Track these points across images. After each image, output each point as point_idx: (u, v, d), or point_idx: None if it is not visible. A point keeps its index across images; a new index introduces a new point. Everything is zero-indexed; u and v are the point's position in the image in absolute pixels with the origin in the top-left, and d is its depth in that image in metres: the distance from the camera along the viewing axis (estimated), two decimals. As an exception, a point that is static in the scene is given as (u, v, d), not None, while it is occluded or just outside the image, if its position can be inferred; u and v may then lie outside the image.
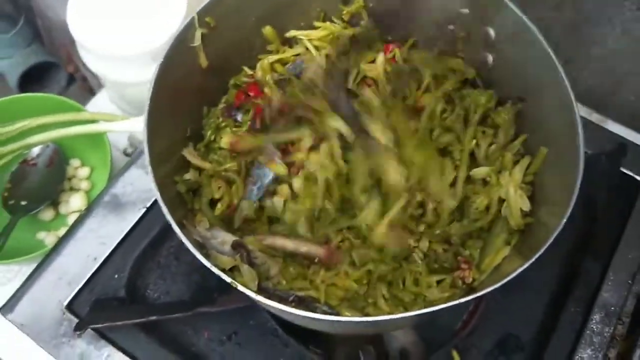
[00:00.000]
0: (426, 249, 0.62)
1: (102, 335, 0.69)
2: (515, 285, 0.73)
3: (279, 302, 0.49)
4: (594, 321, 0.70)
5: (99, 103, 1.02)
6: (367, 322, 0.50)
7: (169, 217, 0.51)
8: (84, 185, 0.96)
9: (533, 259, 0.51)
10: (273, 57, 0.69)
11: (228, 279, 0.50)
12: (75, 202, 0.93)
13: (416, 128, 0.64)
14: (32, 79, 1.49)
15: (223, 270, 0.51)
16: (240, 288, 0.49)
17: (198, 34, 0.61)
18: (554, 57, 0.58)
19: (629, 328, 0.71)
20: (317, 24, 0.70)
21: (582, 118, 0.80)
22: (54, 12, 1.24)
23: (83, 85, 1.47)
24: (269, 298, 0.49)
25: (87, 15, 0.84)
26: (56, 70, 1.54)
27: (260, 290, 0.56)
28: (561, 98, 0.57)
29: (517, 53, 0.62)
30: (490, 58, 0.66)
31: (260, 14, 0.67)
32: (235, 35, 0.66)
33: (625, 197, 0.77)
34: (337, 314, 0.57)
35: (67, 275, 0.72)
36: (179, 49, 0.60)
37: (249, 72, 0.69)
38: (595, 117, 0.84)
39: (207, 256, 0.56)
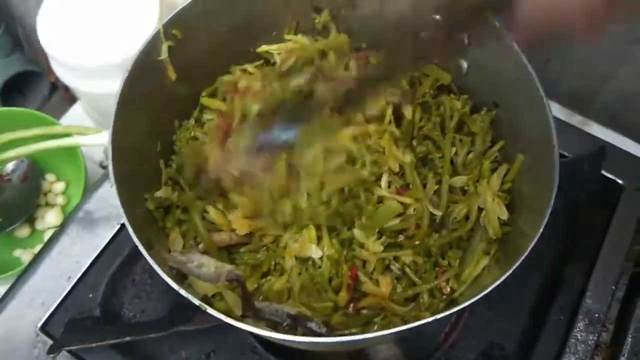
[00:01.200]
0: (408, 261, 0.61)
1: (77, 357, 0.67)
2: (498, 294, 0.72)
3: (271, 324, 0.48)
4: (578, 329, 0.69)
5: (75, 115, 1.00)
6: (349, 341, 0.49)
7: (136, 239, 0.49)
8: (60, 200, 0.94)
9: (511, 270, 0.51)
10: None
11: (211, 311, 0.49)
12: (51, 218, 0.92)
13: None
14: (14, 88, 1.47)
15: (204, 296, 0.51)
16: (219, 316, 0.48)
17: (165, 47, 0.59)
18: (526, 62, 0.57)
19: (613, 335, 0.70)
20: (287, 37, 0.68)
21: (563, 121, 0.81)
22: (34, 20, 1.22)
23: (65, 94, 1.45)
24: (258, 319, 0.48)
25: (57, 27, 0.83)
26: (38, 79, 1.52)
27: (250, 310, 0.55)
28: (535, 104, 0.56)
29: (491, 59, 0.62)
30: (464, 64, 0.65)
31: (231, 25, 0.66)
32: (206, 48, 0.65)
33: (608, 200, 0.76)
34: (331, 329, 0.56)
35: (41, 295, 0.70)
36: (146, 62, 0.58)
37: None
38: (576, 120, 0.83)
39: (182, 280, 0.55)
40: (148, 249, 0.50)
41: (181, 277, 0.58)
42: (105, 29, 0.82)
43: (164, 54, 0.59)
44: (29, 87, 1.53)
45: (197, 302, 0.48)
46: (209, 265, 0.57)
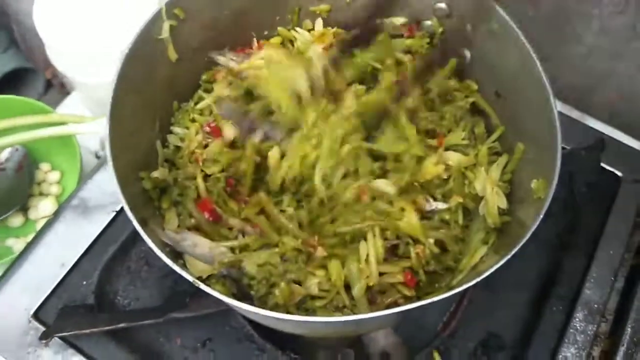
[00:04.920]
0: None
1: (70, 344, 0.66)
2: (496, 284, 0.72)
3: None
4: (577, 319, 0.68)
5: (71, 105, 1.00)
6: (342, 322, 0.48)
7: (129, 214, 0.49)
8: (54, 189, 0.93)
9: (509, 256, 0.50)
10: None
11: (204, 287, 0.47)
12: (45, 207, 0.91)
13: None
14: (9, 85, 1.46)
15: (199, 278, 0.50)
16: (219, 296, 0.47)
17: (166, 25, 0.59)
18: (533, 54, 0.57)
19: (612, 325, 0.70)
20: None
21: (562, 115, 0.81)
22: (29, 17, 1.22)
23: (61, 90, 1.44)
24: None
25: (54, 15, 0.82)
26: (34, 76, 1.51)
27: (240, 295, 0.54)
28: (539, 95, 0.56)
29: (495, 50, 0.61)
30: (468, 54, 0.65)
31: (234, 8, 0.65)
32: (208, 29, 0.64)
33: (606, 192, 0.76)
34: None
35: (34, 282, 0.69)
36: (146, 41, 0.58)
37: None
38: (575, 114, 0.83)
39: (177, 259, 0.54)
40: (143, 226, 0.49)
41: (175, 257, 0.57)
42: (103, 16, 0.81)
43: (165, 33, 0.59)
44: (23, 83, 1.52)
45: (190, 278, 0.47)
46: (203, 245, 0.57)
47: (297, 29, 0.70)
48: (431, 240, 0.58)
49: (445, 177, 0.62)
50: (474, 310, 0.70)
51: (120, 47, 0.78)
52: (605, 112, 0.85)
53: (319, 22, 0.70)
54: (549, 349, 0.68)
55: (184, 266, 0.55)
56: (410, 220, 0.57)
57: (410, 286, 0.57)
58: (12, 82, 1.45)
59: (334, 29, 0.70)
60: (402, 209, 0.57)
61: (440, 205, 0.61)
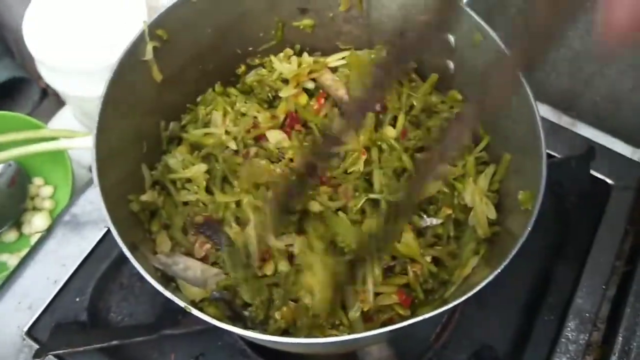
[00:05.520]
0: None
1: (64, 361, 0.66)
2: (488, 294, 0.71)
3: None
4: (569, 328, 0.68)
5: (63, 119, 1.00)
6: (338, 342, 0.48)
7: (119, 240, 0.49)
8: (47, 204, 0.94)
9: (500, 269, 0.50)
10: None
11: (197, 313, 0.48)
12: (38, 222, 0.91)
13: None
14: (3, 95, 1.46)
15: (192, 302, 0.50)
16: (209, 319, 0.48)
17: (149, 47, 0.59)
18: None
19: (604, 334, 0.70)
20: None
21: (551, 122, 0.81)
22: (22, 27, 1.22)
23: (56, 99, 1.44)
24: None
25: (43, 31, 0.82)
26: (29, 85, 1.51)
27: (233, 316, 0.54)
28: (522, 103, 0.56)
29: (478, 59, 0.61)
30: (451, 64, 0.65)
31: (218, 25, 0.65)
32: (192, 49, 0.64)
33: (597, 200, 0.76)
34: None
35: (27, 299, 0.70)
36: (130, 63, 0.58)
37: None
38: (564, 121, 0.83)
39: (169, 282, 0.54)
40: (132, 250, 0.49)
41: (167, 280, 0.57)
42: (92, 32, 0.82)
43: (148, 55, 0.59)
44: (19, 93, 1.52)
45: (182, 304, 0.48)
46: (195, 268, 0.57)
47: (273, 58, 0.69)
48: (428, 259, 0.59)
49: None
50: (466, 321, 0.70)
51: (108, 62, 0.79)
52: (594, 116, 0.85)
53: (294, 60, 0.69)
54: (542, 359, 0.68)
55: (176, 289, 0.56)
56: (407, 242, 0.57)
57: (405, 306, 0.57)
58: (7, 92, 1.45)
59: (313, 57, 0.69)
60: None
61: (435, 221, 0.61)
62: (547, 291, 0.71)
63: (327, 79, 0.67)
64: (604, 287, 0.71)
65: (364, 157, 0.62)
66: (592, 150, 0.73)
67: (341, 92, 0.66)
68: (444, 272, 0.59)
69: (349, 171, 0.62)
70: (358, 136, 0.62)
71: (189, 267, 0.57)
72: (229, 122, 0.65)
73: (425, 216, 0.61)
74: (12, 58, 1.47)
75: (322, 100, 0.67)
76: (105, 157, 0.53)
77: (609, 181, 0.77)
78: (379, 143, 0.63)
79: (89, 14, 0.83)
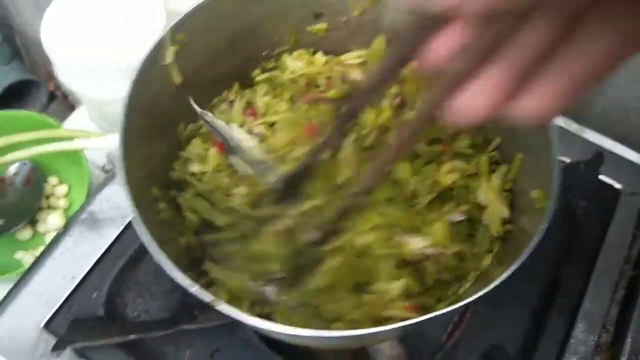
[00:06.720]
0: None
1: (82, 355, 0.67)
2: (498, 296, 0.72)
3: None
4: (578, 330, 0.69)
5: (78, 120, 1.01)
6: (352, 336, 0.49)
7: (145, 239, 0.50)
8: (62, 203, 0.95)
9: (518, 264, 0.51)
10: None
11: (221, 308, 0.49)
12: (53, 221, 0.92)
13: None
14: (12, 98, 1.47)
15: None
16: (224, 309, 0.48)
17: (170, 51, 0.60)
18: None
19: (613, 336, 0.71)
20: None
21: (560, 127, 0.83)
22: (32, 29, 1.23)
23: (64, 102, 1.45)
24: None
25: (61, 32, 0.83)
26: (37, 88, 1.52)
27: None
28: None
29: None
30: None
31: (233, 30, 0.67)
32: (208, 52, 0.66)
33: (605, 204, 0.77)
34: None
35: (45, 294, 0.71)
36: (152, 66, 0.59)
37: None
38: (574, 127, 0.85)
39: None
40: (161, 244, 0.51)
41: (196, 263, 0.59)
42: (111, 34, 0.83)
43: (169, 58, 0.60)
44: (27, 95, 1.53)
45: (207, 299, 0.49)
46: None
47: (286, 57, 0.71)
48: (450, 252, 0.60)
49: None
50: (477, 322, 0.71)
51: (127, 64, 0.80)
52: (602, 124, 0.87)
53: (307, 59, 0.72)
54: (552, 359, 0.69)
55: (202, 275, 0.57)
56: (439, 231, 0.59)
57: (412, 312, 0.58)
58: (15, 94, 1.47)
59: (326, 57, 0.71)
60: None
61: (458, 217, 0.62)
62: (556, 293, 0.72)
63: (357, 74, 0.69)
64: (612, 290, 0.72)
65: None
66: (600, 155, 0.75)
67: None
68: (460, 268, 0.60)
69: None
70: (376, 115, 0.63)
71: None
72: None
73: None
74: (20, 61, 1.48)
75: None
76: (130, 160, 0.54)
77: (617, 186, 0.78)
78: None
79: (108, 17, 0.85)
